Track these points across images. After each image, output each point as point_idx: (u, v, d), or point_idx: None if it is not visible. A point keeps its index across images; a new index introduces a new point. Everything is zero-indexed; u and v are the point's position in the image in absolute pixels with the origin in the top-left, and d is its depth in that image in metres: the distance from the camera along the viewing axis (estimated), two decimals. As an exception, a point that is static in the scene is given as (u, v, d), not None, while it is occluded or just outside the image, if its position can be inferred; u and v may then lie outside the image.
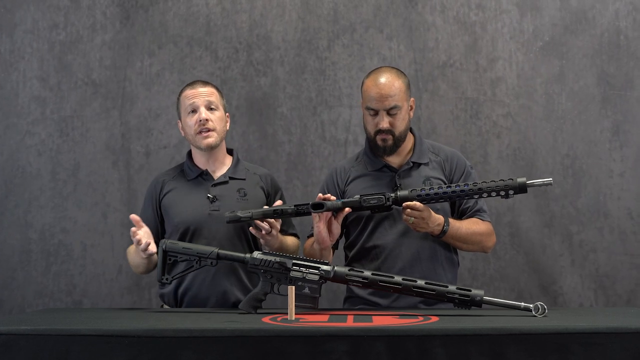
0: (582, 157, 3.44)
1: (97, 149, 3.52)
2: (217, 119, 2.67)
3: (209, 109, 2.66)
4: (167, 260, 2.37)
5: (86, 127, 3.52)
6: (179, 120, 2.76)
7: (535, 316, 2.09)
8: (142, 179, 3.49)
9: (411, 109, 2.63)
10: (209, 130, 2.64)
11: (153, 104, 3.52)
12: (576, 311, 2.53)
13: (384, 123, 2.54)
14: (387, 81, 2.54)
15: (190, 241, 2.57)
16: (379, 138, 2.57)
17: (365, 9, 3.53)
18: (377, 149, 2.61)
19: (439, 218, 2.46)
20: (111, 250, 3.49)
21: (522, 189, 2.31)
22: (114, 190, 3.51)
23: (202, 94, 2.66)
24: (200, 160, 2.73)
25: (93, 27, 3.54)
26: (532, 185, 2.30)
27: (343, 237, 2.69)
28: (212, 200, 2.64)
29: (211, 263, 2.35)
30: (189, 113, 2.66)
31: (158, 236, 2.68)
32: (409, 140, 2.66)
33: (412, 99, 2.63)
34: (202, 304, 2.57)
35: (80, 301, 3.47)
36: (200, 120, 2.63)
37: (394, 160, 2.63)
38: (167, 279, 2.38)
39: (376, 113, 2.55)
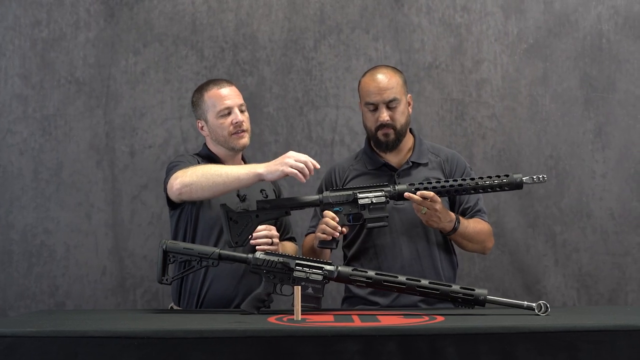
0: (565, 158, 3.49)
1: (80, 149, 3.46)
2: (247, 120, 2.68)
3: (241, 110, 2.65)
4: (168, 261, 2.34)
5: (69, 126, 3.46)
6: (199, 120, 2.69)
7: (538, 315, 2.12)
8: (126, 178, 3.45)
9: (409, 104, 2.64)
10: (243, 131, 2.64)
11: (138, 103, 3.48)
12: (579, 310, 2.57)
13: (384, 116, 2.55)
14: (385, 75, 2.58)
15: (217, 239, 2.55)
16: (380, 133, 2.58)
17: (351, 9, 3.53)
18: (379, 145, 2.61)
19: (452, 214, 2.48)
20: (95, 251, 3.43)
21: (518, 185, 2.38)
22: (98, 190, 3.46)
23: (234, 95, 2.66)
24: (224, 160, 2.68)
25: (77, 25, 3.48)
26: (527, 182, 2.37)
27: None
28: (242, 199, 2.62)
29: (212, 263, 2.33)
30: (222, 115, 2.62)
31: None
32: (409, 140, 2.67)
33: (409, 95, 2.65)
34: (227, 303, 2.55)
35: (63, 303, 3.40)
36: (237, 122, 2.62)
37: (394, 159, 2.64)
38: (167, 280, 2.35)
39: (375, 108, 2.57)
